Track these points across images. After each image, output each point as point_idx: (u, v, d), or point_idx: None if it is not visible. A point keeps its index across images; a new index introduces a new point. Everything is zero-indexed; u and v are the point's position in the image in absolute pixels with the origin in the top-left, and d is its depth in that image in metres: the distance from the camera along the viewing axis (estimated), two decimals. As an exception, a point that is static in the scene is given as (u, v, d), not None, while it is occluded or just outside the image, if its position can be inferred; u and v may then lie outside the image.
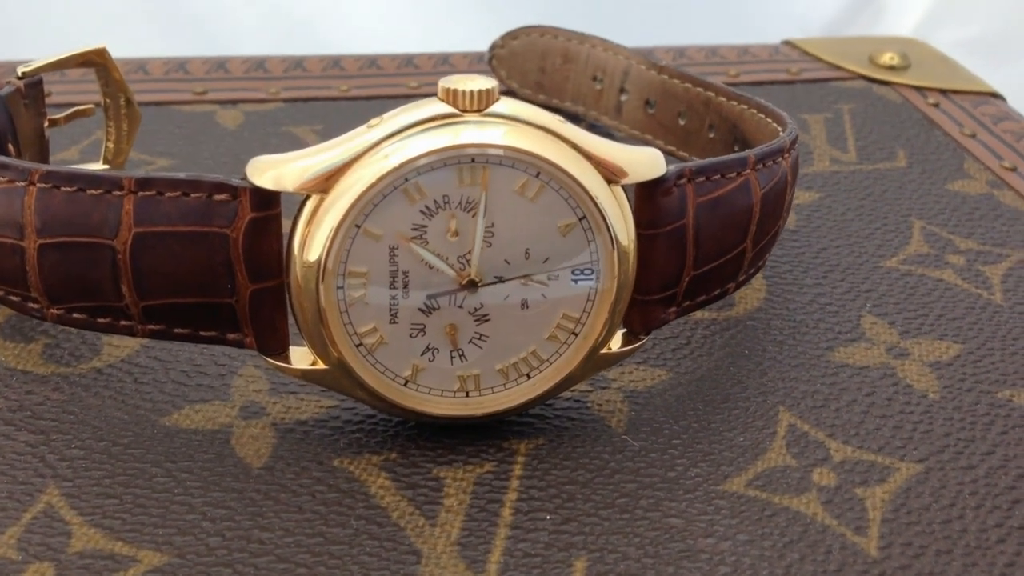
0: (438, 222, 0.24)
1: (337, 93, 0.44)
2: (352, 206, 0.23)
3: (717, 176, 0.27)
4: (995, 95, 0.48)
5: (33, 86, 0.32)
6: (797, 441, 0.27)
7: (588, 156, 0.25)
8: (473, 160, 0.24)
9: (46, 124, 0.34)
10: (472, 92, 0.24)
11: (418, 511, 0.25)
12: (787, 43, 0.52)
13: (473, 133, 0.24)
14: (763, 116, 0.34)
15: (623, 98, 0.40)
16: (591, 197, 0.24)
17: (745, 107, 0.35)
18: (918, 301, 0.33)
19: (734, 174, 0.27)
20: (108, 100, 0.35)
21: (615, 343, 0.27)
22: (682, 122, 0.38)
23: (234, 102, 0.42)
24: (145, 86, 0.43)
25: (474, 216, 0.24)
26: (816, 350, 0.31)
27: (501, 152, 0.24)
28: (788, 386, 0.29)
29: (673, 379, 0.29)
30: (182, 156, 0.38)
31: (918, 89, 0.48)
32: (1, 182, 0.25)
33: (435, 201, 0.24)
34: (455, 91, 0.24)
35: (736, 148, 0.36)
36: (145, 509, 0.24)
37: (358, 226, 0.24)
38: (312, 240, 0.24)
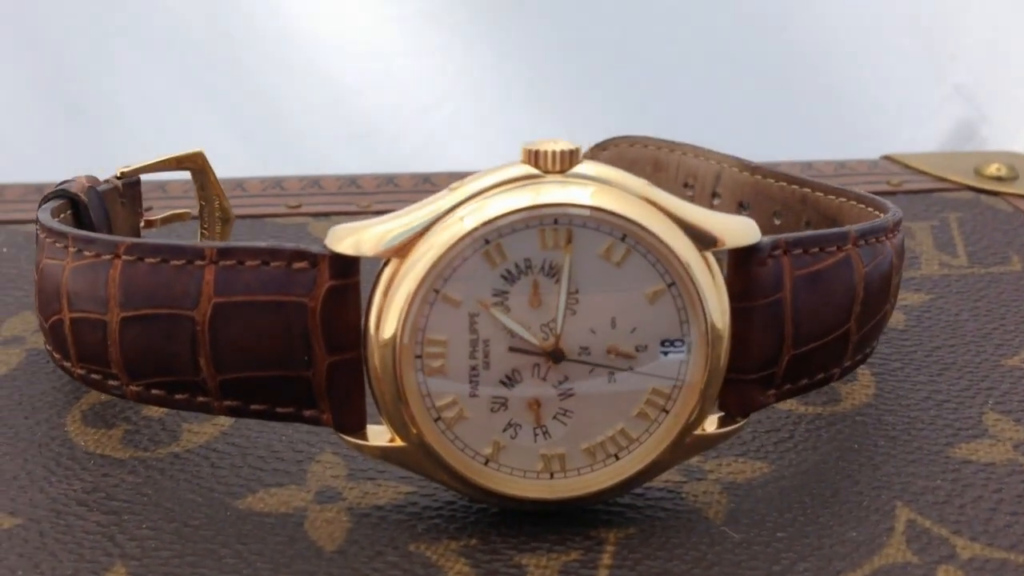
0: (520, 288, 0.23)
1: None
2: (429, 271, 0.23)
3: (816, 249, 0.26)
4: (1112, 205, 0.45)
5: (131, 186, 0.33)
6: (918, 537, 0.25)
7: (677, 220, 0.24)
8: (556, 221, 0.23)
9: (142, 224, 0.34)
10: (556, 152, 0.23)
11: (498, 598, 0.23)
12: (887, 158, 0.51)
13: (554, 192, 0.23)
14: (863, 207, 0.33)
15: (716, 202, 0.40)
16: (681, 261, 0.23)
17: (844, 200, 0.34)
18: (1045, 398, 0.31)
19: (834, 248, 0.26)
20: (203, 203, 0.35)
21: (710, 425, 0.25)
22: (778, 222, 0.37)
23: (327, 215, 0.43)
24: (241, 201, 0.44)
25: (557, 282, 0.23)
26: (935, 446, 0.28)
27: (585, 212, 0.23)
28: (905, 481, 0.27)
29: (776, 472, 0.27)
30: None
31: (1030, 198, 0.46)
32: (88, 257, 0.25)
33: (516, 265, 0.23)
34: (538, 152, 0.23)
35: (837, 243, 0.34)
36: (211, 589, 0.23)
37: (436, 291, 0.23)
38: (388, 311, 0.23)
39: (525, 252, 0.23)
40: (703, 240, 0.24)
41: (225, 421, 0.29)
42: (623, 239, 0.23)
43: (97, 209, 0.31)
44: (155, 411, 0.29)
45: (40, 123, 0.66)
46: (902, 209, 0.45)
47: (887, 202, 0.31)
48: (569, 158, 0.23)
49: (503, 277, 0.23)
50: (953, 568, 0.24)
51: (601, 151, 0.44)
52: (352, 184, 0.46)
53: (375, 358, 0.23)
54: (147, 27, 0.69)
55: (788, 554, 0.24)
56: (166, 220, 0.35)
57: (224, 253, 0.24)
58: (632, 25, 0.74)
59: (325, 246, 0.24)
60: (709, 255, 0.24)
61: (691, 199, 0.41)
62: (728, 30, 0.75)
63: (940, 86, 0.82)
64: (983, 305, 0.36)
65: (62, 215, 0.30)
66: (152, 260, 0.24)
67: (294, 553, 0.24)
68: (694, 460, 0.28)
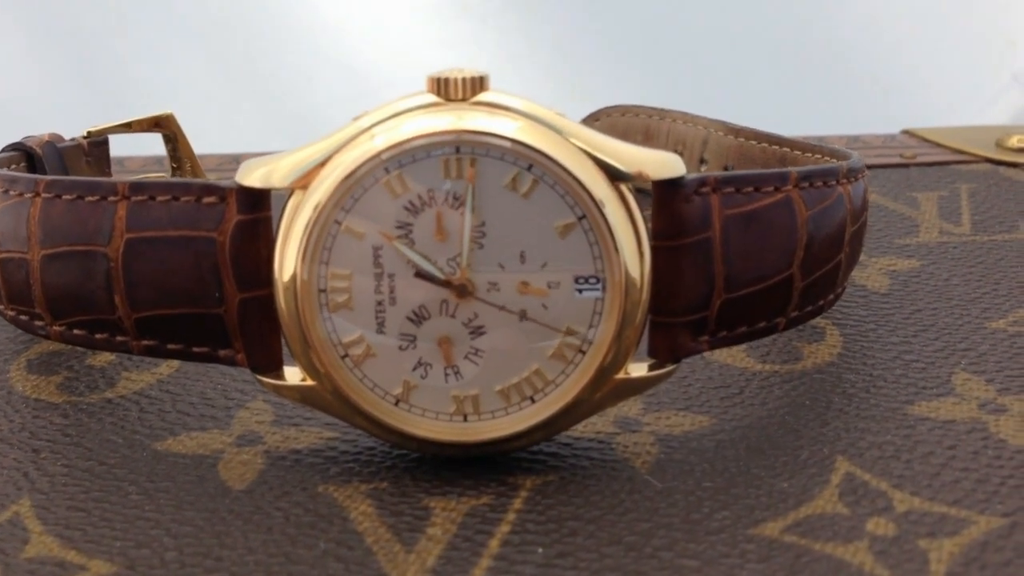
0: (424, 220, 0.23)
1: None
2: (328, 198, 0.22)
3: (750, 189, 0.25)
4: None
5: (98, 145, 0.34)
6: (854, 490, 0.23)
7: (588, 152, 0.23)
8: (459, 150, 0.22)
9: (111, 185, 0.35)
10: (461, 80, 0.23)
11: (396, 538, 0.22)
12: (906, 132, 0.49)
13: (479, 120, 0.22)
14: (836, 161, 0.31)
15: (703, 168, 0.38)
16: (589, 193, 0.22)
17: (819, 156, 0.33)
18: (1024, 359, 0.29)
19: (771, 188, 0.25)
20: (174, 165, 0.36)
21: (638, 370, 0.24)
22: (761, 185, 0.36)
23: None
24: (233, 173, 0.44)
25: (462, 213, 0.23)
26: (892, 404, 0.27)
27: (494, 141, 0.22)
28: (853, 437, 0.25)
29: (716, 425, 0.26)
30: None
31: (1051, 169, 0.43)
32: (13, 196, 0.25)
33: (419, 196, 0.23)
34: (444, 80, 0.23)
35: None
36: (110, 523, 0.23)
37: (338, 222, 0.23)
38: (288, 245, 0.23)
39: (427, 183, 0.22)
40: (616, 173, 0.23)
41: (164, 370, 0.29)
42: (529, 169, 0.22)
43: (54, 164, 0.31)
44: (99, 360, 0.29)
45: (64, 97, 0.68)
46: (912, 181, 0.43)
47: (853, 153, 0.30)
48: (476, 85, 0.23)
49: (406, 208, 0.23)
50: (885, 520, 0.22)
51: (594, 121, 0.43)
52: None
53: (279, 294, 0.23)
54: (187, 21, 0.70)
55: (710, 502, 0.23)
56: (139, 183, 0.36)
57: (136, 188, 0.24)
58: (666, 8, 0.73)
59: (235, 180, 0.24)
60: (626, 190, 0.23)
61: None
62: (780, 15, 0.74)
63: (998, 74, 0.79)
64: (978, 271, 0.35)
65: (13, 166, 0.30)
66: (69, 197, 0.25)
67: (201, 491, 0.24)
68: (632, 412, 0.27)
